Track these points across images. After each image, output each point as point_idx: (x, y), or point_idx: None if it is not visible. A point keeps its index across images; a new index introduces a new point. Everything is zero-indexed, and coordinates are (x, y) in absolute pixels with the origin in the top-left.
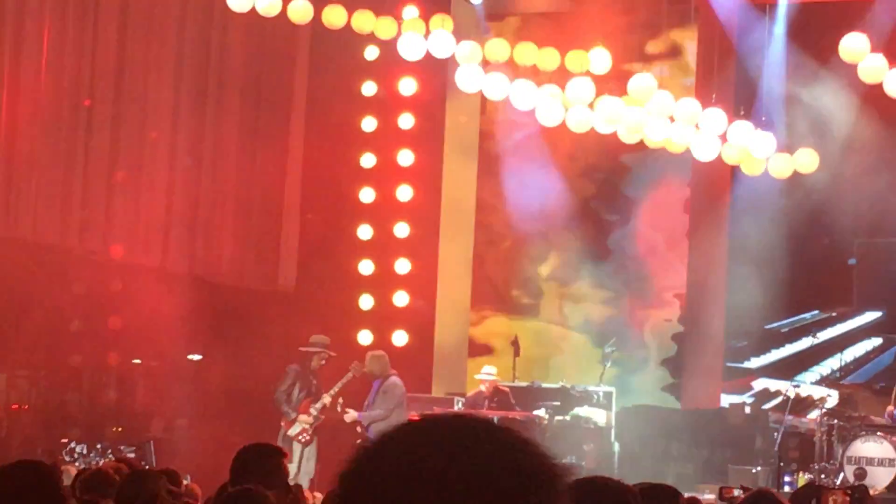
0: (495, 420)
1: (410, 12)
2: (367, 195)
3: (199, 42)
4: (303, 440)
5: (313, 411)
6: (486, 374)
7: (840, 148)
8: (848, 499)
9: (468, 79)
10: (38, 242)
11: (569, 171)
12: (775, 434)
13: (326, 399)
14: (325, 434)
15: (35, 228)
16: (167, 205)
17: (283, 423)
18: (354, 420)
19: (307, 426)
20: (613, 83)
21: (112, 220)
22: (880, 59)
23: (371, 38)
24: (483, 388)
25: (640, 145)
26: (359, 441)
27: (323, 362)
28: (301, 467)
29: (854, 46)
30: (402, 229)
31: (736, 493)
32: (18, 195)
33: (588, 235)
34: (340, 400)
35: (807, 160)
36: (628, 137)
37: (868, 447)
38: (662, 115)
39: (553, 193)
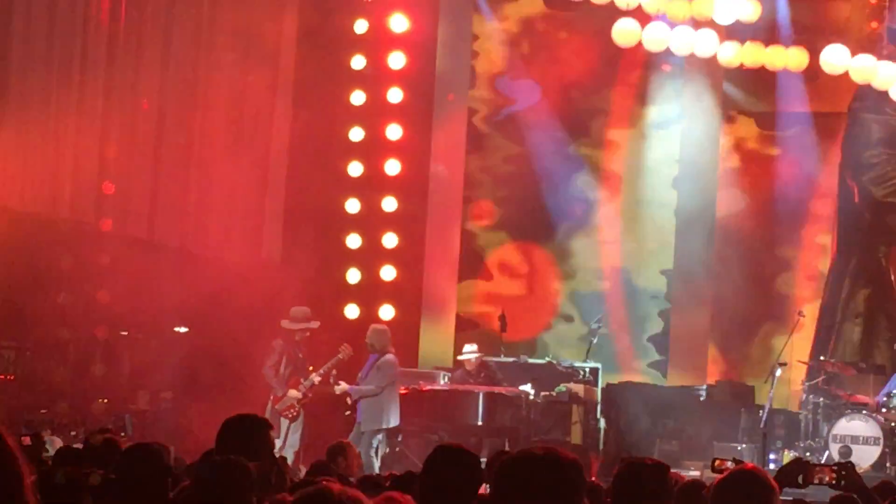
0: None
1: None
2: (355, 169)
3: (189, 15)
4: (289, 416)
5: (302, 388)
6: (469, 353)
7: None
8: (834, 475)
9: None
10: (27, 213)
11: (556, 147)
12: (761, 412)
13: (316, 378)
14: (313, 408)
15: (23, 199)
16: (155, 176)
17: (271, 398)
18: (344, 392)
19: (294, 402)
20: None
21: (103, 192)
22: (869, 59)
23: (360, 11)
24: (468, 367)
25: (625, 122)
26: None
27: (307, 334)
28: (286, 440)
29: (834, 58)
30: (389, 203)
31: (728, 464)
32: (6, 164)
33: (576, 212)
34: (334, 371)
35: (798, 57)
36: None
37: (854, 425)
38: None
39: (540, 169)
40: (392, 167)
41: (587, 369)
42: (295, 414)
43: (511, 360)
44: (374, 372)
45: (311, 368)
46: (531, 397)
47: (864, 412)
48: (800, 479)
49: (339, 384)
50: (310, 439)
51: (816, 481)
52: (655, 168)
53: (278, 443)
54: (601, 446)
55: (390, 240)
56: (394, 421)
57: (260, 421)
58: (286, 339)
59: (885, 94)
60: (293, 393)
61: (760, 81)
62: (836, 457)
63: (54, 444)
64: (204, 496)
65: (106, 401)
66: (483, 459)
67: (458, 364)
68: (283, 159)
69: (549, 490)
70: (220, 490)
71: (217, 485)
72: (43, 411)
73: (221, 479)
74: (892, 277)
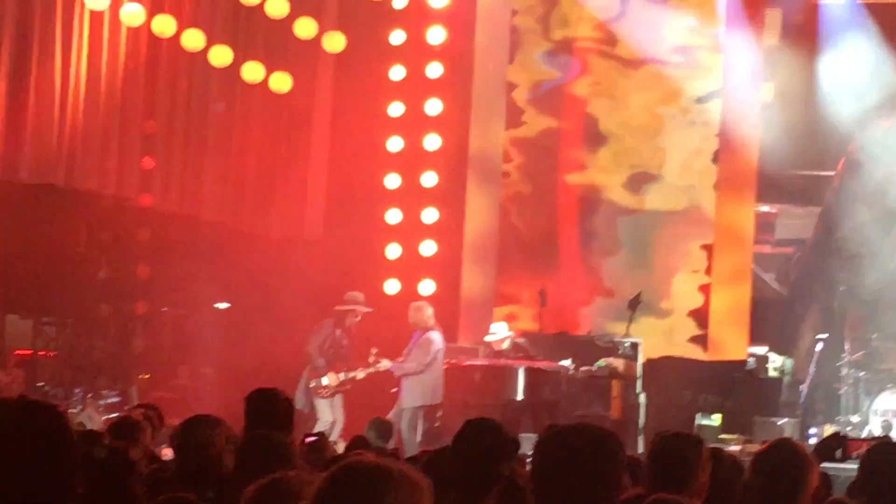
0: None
1: None
2: (394, 144)
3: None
4: (321, 395)
5: (342, 376)
6: (493, 335)
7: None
8: None
9: None
10: (72, 190)
11: (598, 122)
12: (801, 386)
13: (360, 374)
14: (355, 387)
15: (68, 175)
16: (197, 152)
17: (305, 373)
18: (387, 369)
19: (330, 385)
20: None
21: (145, 168)
22: None
23: None
24: (496, 348)
25: (672, 96)
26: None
27: (357, 319)
28: (335, 417)
29: None
30: (429, 178)
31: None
32: (50, 142)
33: (619, 186)
34: (374, 350)
35: None
36: None
37: (895, 399)
38: None
39: (582, 144)
40: (432, 142)
41: (627, 344)
42: (327, 394)
43: (551, 334)
44: (416, 350)
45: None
46: (571, 372)
47: None
48: (838, 454)
49: (381, 361)
50: (354, 416)
51: (855, 455)
52: (697, 141)
53: (326, 419)
54: (642, 421)
55: (430, 215)
56: (435, 398)
57: (279, 394)
58: (337, 322)
59: None
60: (331, 378)
61: None
62: (878, 431)
63: (93, 419)
64: (244, 471)
65: (147, 376)
66: (525, 435)
67: (487, 344)
68: (325, 135)
69: (589, 462)
70: (261, 465)
71: (257, 460)
72: (40, 384)
73: (261, 455)
74: None
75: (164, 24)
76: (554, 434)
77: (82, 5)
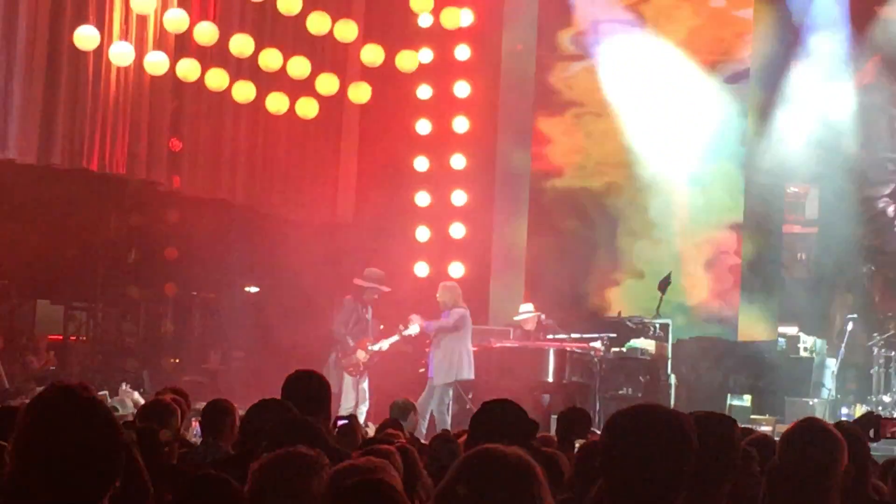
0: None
1: None
2: (423, 127)
3: None
4: (353, 372)
5: (370, 351)
6: (525, 313)
7: None
8: None
9: None
10: (103, 174)
11: (626, 106)
12: (832, 366)
13: (385, 345)
14: (383, 367)
15: (100, 160)
16: (228, 136)
17: (333, 353)
18: (417, 333)
19: (361, 361)
20: None
21: (174, 150)
22: None
23: None
24: (527, 328)
25: (694, 76)
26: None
27: (376, 296)
28: (357, 399)
29: None
30: (458, 161)
31: None
32: (83, 127)
33: (646, 169)
34: (401, 326)
35: None
36: None
37: None
38: None
39: (609, 128)
40: (461, 124)
41: (657, 325)
42: (360, 371)
43: (581, 315)
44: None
45: (381, 327)
46: (601, 354)
47: None
48: (871, 433)
49: (412, 321)
50: (381, 397)
51: (889, 435)
52: (725, 122)
53: (349, 400)
54: (672, 402)
55: (459, 198)
56: (466, 374)
57: (317, 377)
58: (356, 297)
59: None
60: (361, 354)
61: None
62: None
63: (125, 403)
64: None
65: (177, 360)
66: (556, 417)
67: (518, 326)
68: (355, 118)
69: (663, 443)
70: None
71: (286, 442)
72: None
73: (290, 437)
74: None
75: (189, 70)
76: (627, 413)
77: None
